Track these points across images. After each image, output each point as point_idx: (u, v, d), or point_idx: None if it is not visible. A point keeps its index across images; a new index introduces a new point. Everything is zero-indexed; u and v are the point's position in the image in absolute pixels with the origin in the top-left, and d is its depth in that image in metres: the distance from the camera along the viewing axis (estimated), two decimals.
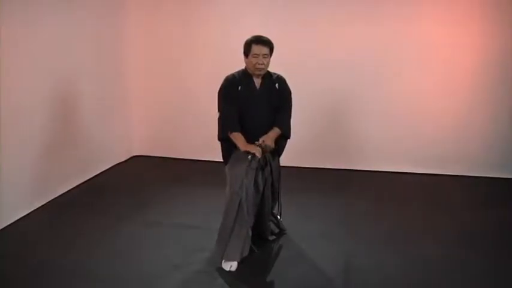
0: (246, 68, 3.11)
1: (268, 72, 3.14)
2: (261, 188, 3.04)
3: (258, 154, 2.89)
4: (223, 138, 3.09)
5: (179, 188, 4.38)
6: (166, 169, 4.98)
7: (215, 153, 5.05)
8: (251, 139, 3.01)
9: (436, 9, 4.50)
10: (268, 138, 3.02)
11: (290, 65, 4.58)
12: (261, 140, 2.99)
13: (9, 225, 3.47)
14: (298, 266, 2.96)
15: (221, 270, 2.88)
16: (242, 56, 3.11)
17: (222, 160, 3.24)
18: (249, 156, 2.88)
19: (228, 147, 3.10)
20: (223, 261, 2.91)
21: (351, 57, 4.69)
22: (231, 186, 2.96)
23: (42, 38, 3.77)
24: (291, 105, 3.22)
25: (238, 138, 3.01)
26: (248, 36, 3.09)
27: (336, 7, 4.63)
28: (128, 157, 5.28)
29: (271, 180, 3.13)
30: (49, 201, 3.92)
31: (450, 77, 4.61)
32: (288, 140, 3.24)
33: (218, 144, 3.15)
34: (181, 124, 5.23)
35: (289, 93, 3.20)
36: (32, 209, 3.73)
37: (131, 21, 5.04)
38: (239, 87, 3.07)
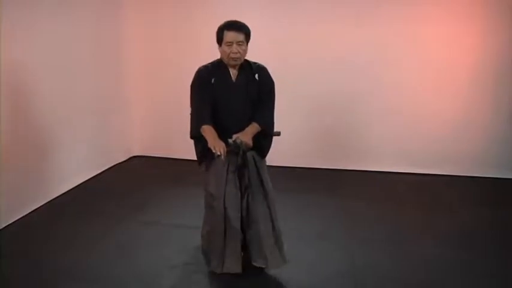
0: (221, 57, 2.76)
1: (247, 61, 2.78)
2: (242, 193, 2.72)
3: (222, 153, 2.47)
4: (196, 135, 2.75)
5: (178, 188, 4.39)
6: (165, 169, 4.99)
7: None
8: (227, 137, 2.63)
9: (436, 9, 4.49)
10: (245, 135, 2.63)
11: (289, 65, 4.60)
12: (234, 137, 2.62)
13: (9, 225, 3.48)
14: (297, 266, 2.96)
15: None
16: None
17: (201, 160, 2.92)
18: (215, 155, 2.50)
19: (202, 145, 2.71)
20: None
21: (350, 57, 4.69)
22: (205, 189, 2.78)
23: (42, 38, 3.78)
24: (273, 98, 2.84)
25: (207, 132, 2.62)
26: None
27: (339, 7, 4.63)
28: (127, 157, 5.29)
29: (262, 184, 2.77)
30: (48, 201, 3.93)
31: (450, 77, 4.61)
32: (273, 137, 2.88)
33: None
34: (180, 124, 5.18)
35: (272, 84, 2.82)
36: (32, 209, 3.74)
37: (131, 21, 5.04)
38: (212, 80, 2.73)
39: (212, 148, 2.50)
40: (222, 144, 2.52)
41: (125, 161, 5.20)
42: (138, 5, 5.03)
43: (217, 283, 2.79)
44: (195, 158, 5.02)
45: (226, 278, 2.80)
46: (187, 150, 5.16)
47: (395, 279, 2.83)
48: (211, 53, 5.26)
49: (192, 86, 2.77)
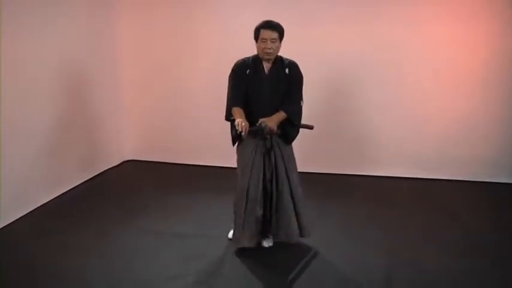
0: (257, 53, 3.11)
1: (280, 57, 3.12)
2: (268, 175, 3.05)
3: (244, 131, 2.77)
4: (228, 118, 3.10)
5: (172, 193, 4.31)
6: (159, 174, 4.91)
7: (209, 158, 5.02)
8: (255, 123, 2.97)
9: (439, 9, 4.45)
10: (270, 120, 2.96)
11: None
12: (261, 121, 2.94)
13: (0, 229, 3.42)
14: (299, 271, 2.92)
15: (218, 279, 2.82)
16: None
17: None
18: (237, 131, 2.80)
19: (236, 129, 2.94)
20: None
21: (352, 58, 4.63)
22: (238, 167, 3.11)
23: (37, 41, 3.72)
24: (300, 90, 3.14)
25: (236, 113, 2.97)
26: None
27: (339, 7, 4.58)
28: (120, 161, 5.20)
29: (285, 170, 3.08)
30: (41, 206, 3.86)
31: (452, 78, 4.56)
32: (300, 128, 3.16)
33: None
34: (174, 128, 5.16)
35: (300, 78, 3.14)
36: (25, 213, 3.68)
37: (124, 24, 4.96)
38: (247, 71, 3.07)
39: (236, 125, 2.83)
40: (246, 123, 2.83)
41: (117, 165, 5.11)
42: (132, 6, 4.94)
43: None
44: (188, 162, 5.08)
45: (225, 284, 2.77)
46: (181, 155, 5.16)
47: (396, 282, 2.81)
48: (206, 55, 5.21)
49: (229, 75, 3.13)
